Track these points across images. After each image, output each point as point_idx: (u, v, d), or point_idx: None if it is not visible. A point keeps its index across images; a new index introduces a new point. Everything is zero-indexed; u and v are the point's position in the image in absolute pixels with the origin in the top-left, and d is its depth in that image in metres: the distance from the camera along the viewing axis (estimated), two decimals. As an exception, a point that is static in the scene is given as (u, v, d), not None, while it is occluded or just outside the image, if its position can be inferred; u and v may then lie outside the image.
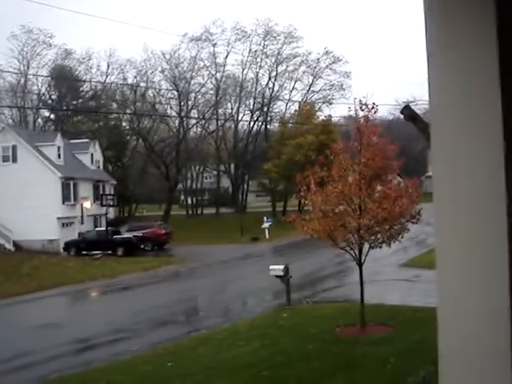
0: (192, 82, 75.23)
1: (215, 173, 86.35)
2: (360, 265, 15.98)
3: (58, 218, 47.94)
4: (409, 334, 14.31)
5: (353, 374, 11.68)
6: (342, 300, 21.28)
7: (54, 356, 17.92)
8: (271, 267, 21.73)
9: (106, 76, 76.40)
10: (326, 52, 74.85)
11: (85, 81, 75.30)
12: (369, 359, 12.53)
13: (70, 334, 21.20)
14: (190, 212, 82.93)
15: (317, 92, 77.62)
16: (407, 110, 9.10)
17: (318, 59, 75.31)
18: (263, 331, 17.15)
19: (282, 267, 21.29)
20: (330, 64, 75.51)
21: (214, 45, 74.63)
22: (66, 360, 17.42)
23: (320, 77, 76.74)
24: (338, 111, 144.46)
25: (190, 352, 15.60)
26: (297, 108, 74.74)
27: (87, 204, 52.34)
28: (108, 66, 76.32)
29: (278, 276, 21.45)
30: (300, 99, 76.33)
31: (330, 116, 68.04)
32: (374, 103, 15.06)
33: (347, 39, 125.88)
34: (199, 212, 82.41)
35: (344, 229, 15.44)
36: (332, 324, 16.61)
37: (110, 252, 44.36)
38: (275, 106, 79.67)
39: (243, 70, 76.48)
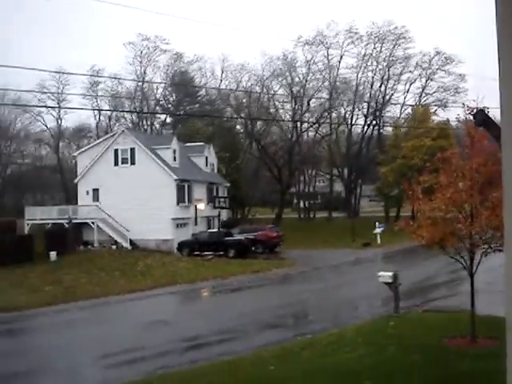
0: (306, 85, 75.34)
1: (328, 177, 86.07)
2: (471, 274, 15.37)
3: (173, 219, 49.31)
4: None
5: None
6: (452, 310, 20.55)
7: (161, 353, 18.42)
8: (380, 274, 21.34)
9: (221, 81, 78.14)
10: (437, 53, 72.92)
11: (201, 86, 77.23)
12: (476, 373, 12.00)
13: (178, 331, 21.80)
14: (302, 215, 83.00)
15: (430, 95, 75.70)
16: (480, 115, 8.39)
17: (430, 60, 73.53)
18: (369, 338, 16.83)
19: (391, 274, 20.86)
20: (442, 66, 73.41)
21: (328, 48, 74.45)
22: (172, 357, 17.87)
23: (433, 79, 74.91)
24: (454, 115, 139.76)
25: (293, 356, 15.55)
26: (411, 111, 73.21)
27: (201, 206, 53.49)
28: (222, 71, 78.02)
29: (386, 283, 21.04)
30: (414, 102, 74.84)
31: (447, 120, 65.98)
32: (484, 107, 14.41)
33: (463, 39, 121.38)
34: (311, 216, 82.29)
35: (454, 236, 14.90)
36: (440, 334, 16.06)
37: (221, 253, 45.14)
38: (389, 110, 78.51)
39: (357, 73, 75.87)
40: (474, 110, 14.05)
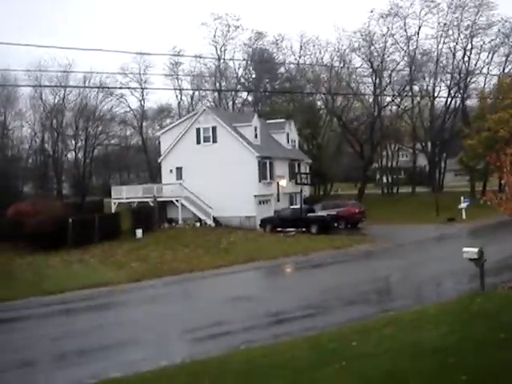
0: (386, 58, 73.85)
1: (411, 151, 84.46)
2: (561, 250, 14.87)
3: (255, 196, 49.69)
4: None
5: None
6: (541, 287, 19.91)
7: (244, 328, 18.81)
8: (464, 249, 20.87)
9: (299, 57, 77.69)
10: None
11: (281, 63, 77.06)
12: None
13: (261, 307, 22.11)
14: (385, 191, 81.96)
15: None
16: None
17: None
18: (453, 316, 16.54)
19: (476, 250, 20.38)
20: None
21: (405, 17, 72.44)
22: (255, 332, 18.19)
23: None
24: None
25: (375, 332, 15.46)
26: (496, 81, 70.63)
27: (283, 182, 53.65)
28: (301, 47, 77.49)
29: (471, 259, 20.57)
30: (498, 72, 72.06)
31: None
32: None
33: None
34: (394, 191, 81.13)
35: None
36: (529, 312, 15.62)
37: (303, 229, 45.22)
38: (473, 81, 75.85)
39: (438, 44, 73.63)
40: None
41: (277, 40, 77.19)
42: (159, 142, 58.16)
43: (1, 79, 68.30)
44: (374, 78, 74.48)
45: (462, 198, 51.28)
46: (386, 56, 73.67)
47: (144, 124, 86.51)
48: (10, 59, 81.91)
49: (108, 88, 75.31)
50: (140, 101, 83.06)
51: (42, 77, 71.82)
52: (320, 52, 77.00)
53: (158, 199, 49.91)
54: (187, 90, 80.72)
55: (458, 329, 14.88)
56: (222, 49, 77.39)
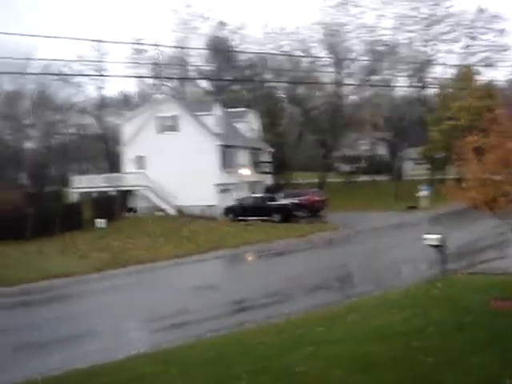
0: (347, 48, 74.06)
1: (372, 140, 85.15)
2: (521, 236, 15.22)
3: (217, 185, 49.59)
4: None
5: (507, 348, 11.15)
6: (500, 273, 20.34)
7: (209, 316, 18.77)
8: (426, 236, 21.22)
9: (263, 45, 77.51)
10: (481, 10, 70.54)
11: (241, 51, 76.75)
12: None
13: (225, 295, 22.13)
14: (346, 179, 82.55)
15: (474, 54, 73.53)
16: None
17: (473, 19, 71.17)
18: (415, 301, 16.82)
19: (437, 236, 20.73)
20: (485, 24, 70.93)
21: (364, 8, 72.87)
22: (220, 320, 18.17)
23: (476, 38, 72.37)
24: (500, 74, 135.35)
25: (340, 318, 15.64)
26: (455, 71, 71.50)
27: (244, 171, 53.64)
28: (263, 36, 77.34)
29: (432, 245, 20.93)
30: (458, 62, 72.99)
31: (492, 80, 64.15)
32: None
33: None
34: (355, 179, 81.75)
35: (504, 198, 14.69)
36: (487, 296, 15.90)
37: (265, 218, 45.28)
38: (431, 71, 76.69)
39: (393, 34, 74.06)
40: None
41: (238, 29, 76.96)
42: (119, 132, 57.55)
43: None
44: (335, 67, 74.63)
45: (422, 187, 52.02)
46: (346, 46, 73.75)
47: (103, 113, 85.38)
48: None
49: (66, 75, 73.88)
50: (99, 89, 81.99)
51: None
52: (282, 41, 76.91)
53: (120, 189, 49.48)
54: (147, 77, 79.84)
55: (420, 313, 15.14)
56: (185, 38, 76.88)
